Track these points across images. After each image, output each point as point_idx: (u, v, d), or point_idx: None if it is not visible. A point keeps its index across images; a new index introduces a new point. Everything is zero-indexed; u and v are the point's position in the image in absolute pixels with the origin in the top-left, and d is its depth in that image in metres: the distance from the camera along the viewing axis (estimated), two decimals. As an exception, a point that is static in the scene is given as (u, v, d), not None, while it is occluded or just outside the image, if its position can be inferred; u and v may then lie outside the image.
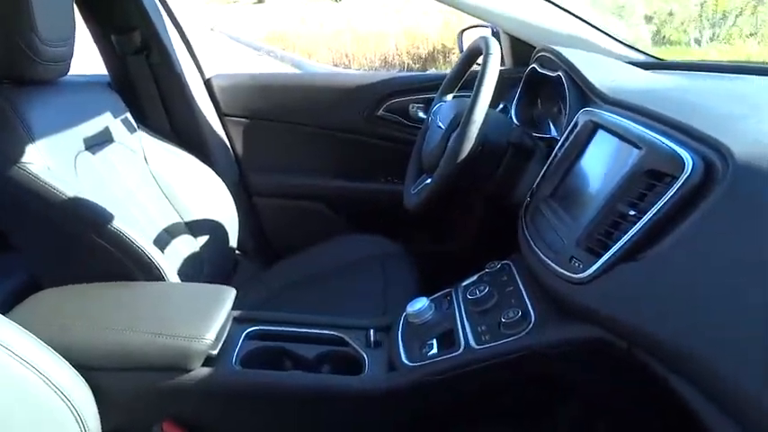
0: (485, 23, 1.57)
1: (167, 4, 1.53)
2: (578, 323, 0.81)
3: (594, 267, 0.76)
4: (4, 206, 1.04)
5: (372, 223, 1.62)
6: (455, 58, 7.31)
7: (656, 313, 0.66)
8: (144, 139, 1.39)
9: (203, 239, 1.39)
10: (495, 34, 1.54)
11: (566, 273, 0.81)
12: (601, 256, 0.75)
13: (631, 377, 0.77)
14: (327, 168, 1.71)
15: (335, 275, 1.42)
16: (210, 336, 0.91)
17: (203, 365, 0.92)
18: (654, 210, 0.70)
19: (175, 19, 1.55)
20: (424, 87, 1.64)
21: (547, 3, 1.40)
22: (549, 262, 0.86)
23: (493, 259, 1.10)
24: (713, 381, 0.57)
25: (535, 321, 0.88)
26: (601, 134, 0.93)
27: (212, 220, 1.43)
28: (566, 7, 1.41)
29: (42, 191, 1.01)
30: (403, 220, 1.50)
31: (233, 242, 1.50)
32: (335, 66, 8.09)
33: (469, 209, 1.61)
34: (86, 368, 0.82)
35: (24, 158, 1.03)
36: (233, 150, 1.69)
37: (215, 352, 0.93)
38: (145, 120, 1.49)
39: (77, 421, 0.74)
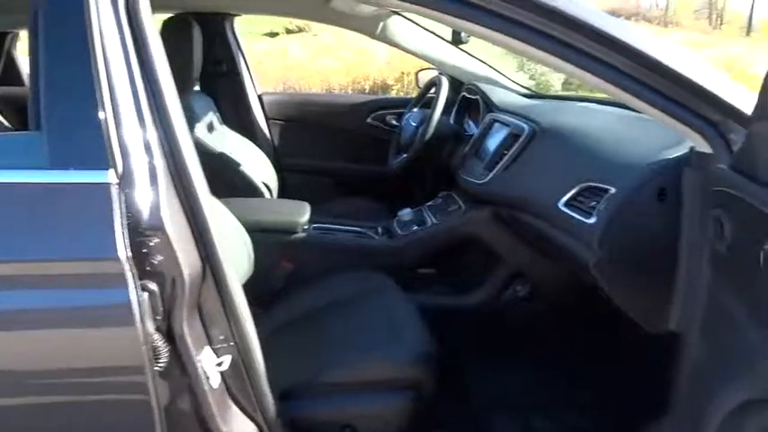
0: (432, 67, 2.59)
1: (240, 47, 2.46)
2: (487, 205, 1.81)
3: (490, 176, 1.76)
4: None
5: (365, 191, 2.57)
6: (395, 92, 8.34)
7: (518, 187, 1.65)
8: (224, 130, 2.29)
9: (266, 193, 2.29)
10: (441, 73, 2.55)
11: (478, 181, 1.81)
12: (493, 170, 1.76)
13: (514, 229, 1.76)
14: (334, 155, 2.66)
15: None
16: (306, 216, 1.84)
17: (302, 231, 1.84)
18: (514, 149, 1.71)
19: (244, 56, 2.48)
20: (394, 105, 2.66)
21: (469, 55, 2.43)
22: (471, 179, 1.85)
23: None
24: (549, 212, 1.52)
25: (465, 209, 1.88)
26: (496, 124, 1.95)
27: (264, 182, 2.34)
28: (480, 58, 2.45)
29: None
30: (383, 186, 2.48)
31: (275, 197, 2.41)
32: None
33: (429, 176, 2.61)
34: (247, 230, 1.69)
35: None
36: (272, 141, 2.62)
37: (307, 227, 1.85)
38: (223, 119, 2.39)
39: (249, 254, 1.54)
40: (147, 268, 0.89)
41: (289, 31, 12.61)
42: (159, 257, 0.89)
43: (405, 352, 1.35)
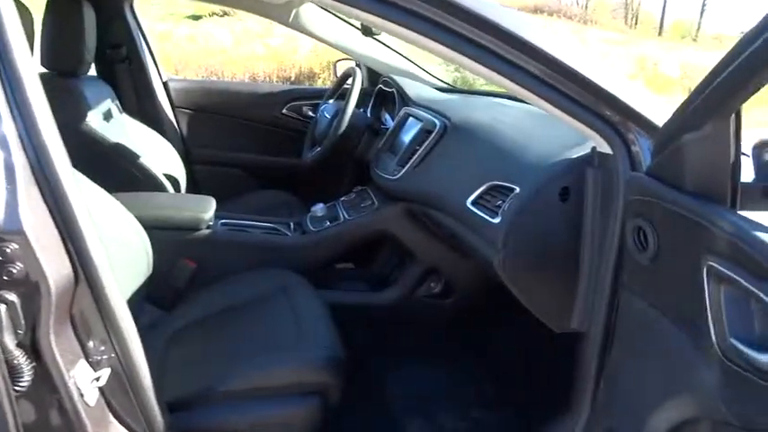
0: (350, 58, 2.52)
1: (142, 30, 2.29)
2: (399, 201, 1.77)
3: (402, 172, 1.72)
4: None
5: (279, 185, 2.47)
6: (321, 82, 8.24)
7: (429, 184, 1.62)
8: (124, 119, 2.13)
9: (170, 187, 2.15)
10: (359, 65, 2.49)
11: (391, 177, 1.76)
12: (405, 166, 1.71)
13: (426, 226, 1.73)
14: (247, 146, 2.54)
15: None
16: (211, 212, 1.73)
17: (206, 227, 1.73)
18: (426, 144, 1.68)
19: (147, 39, 2.31)
20: (310, 96, 2.56)
21: (387, 48, 2.38)
22: (384, 174, 1.81)
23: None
24: (458, 210, 1.49)
25: (378, 204, 1.83)
26: (410, 119, 1.91)
27: (169, 174, 2.20)
28: (399, 51, 2.40)
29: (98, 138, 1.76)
30: (298, 180, 2.39)
31: (182, 190, 2.27)
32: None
33: (344, 171, 2.54)
34: (145, 227, 1.57)
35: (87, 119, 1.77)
36: (180, 131, 2.46)
37: (212, 223, 1.75)
38: (124, 107, 2.22)
39: (146, 253, 1.44)
40: (5, 278, 0.80)
41: (213, 15, 12.13)
42: (19, 265, 0.80)
43: (310, 355, 1.29)
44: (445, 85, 2.35)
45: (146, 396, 1.00)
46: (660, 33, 17.47)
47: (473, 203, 1.36)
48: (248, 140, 2.55)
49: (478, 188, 1.35)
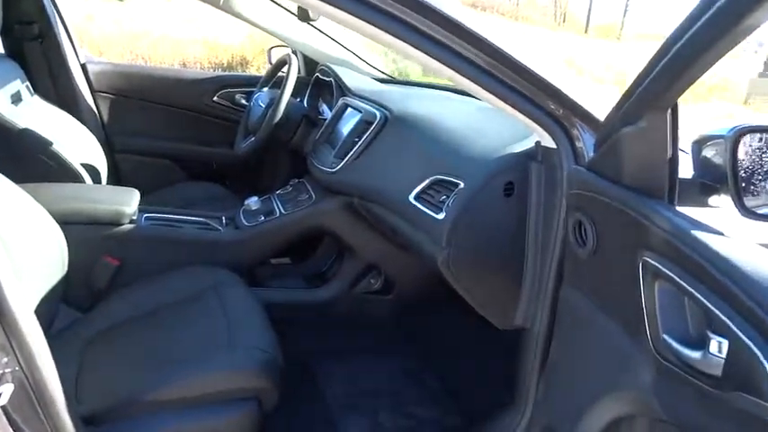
0: (285, 44, 2.42)
1: (57, 6, 2.10)
2: (338, 195, 1.70)
3: (340, 165, 1.65)
4: None
5: (210, 177, 2.35)
6: (254, 69, 8.02)
7: (369, 177, 1.56)
8: (36, 102, 1.95)
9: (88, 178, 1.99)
10: (294, 52, 2.39)
11: (329, 170, 1.69)
12: (344, 159, 1.65)
13: (366, 221, 1.67)
14: (175, 135, 2.40)
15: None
16: (134, 205, 1.60)
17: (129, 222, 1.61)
18: (366, 136, 1.62)
19: (62, 17, 2.12)
20: (243, 83, 2.44)
21: (324, 35, 2.30)
22: (322, 167, 1.74)
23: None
24: (400, 205, 1.43)
25: (315, 198, 1.75)
26: (348, 109, 1.84)
27: (88, 164, 2.04)
28: (337, 39, 2.33)
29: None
30: (229, 172, 2.28)
31: (103, 182, 2.11)
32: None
33: (278, 162, 2.44)
34: (61, 223, 1.44)
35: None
36: (100, 118, 2.29)
37: (135, 216, 1.62)
38: (36, 90, 2.04)
39: (61, 250, 1.31)
40: None
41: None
42: None
43: (243, 358, 1.22)
44: (385, 77, 2.30)
45: (57, 411, 0.90)
46: (586, 31, 18.15)
47: (416, 198, 1.32)
48: (175, 129, 2.40)
49: (421, 183, 1.32)
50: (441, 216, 1.21)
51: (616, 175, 0.89)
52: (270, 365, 1.23)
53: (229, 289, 1.47)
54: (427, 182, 1.30)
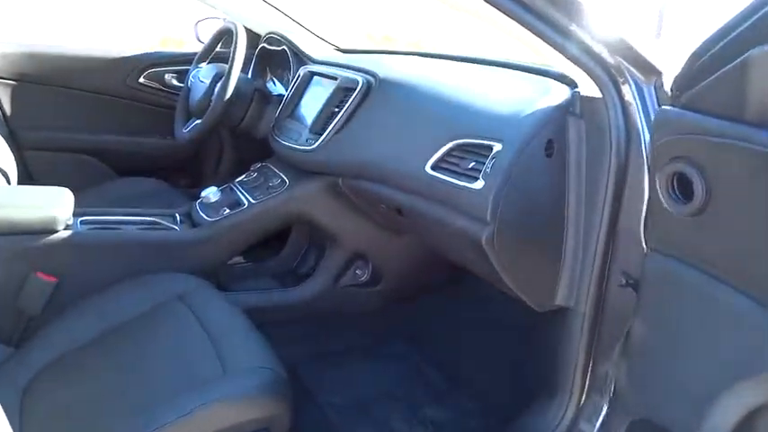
0: (217, 16, 2.12)
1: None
2: (317, 176, 1.46)
3: (319, 141, 1.42)
4: None
5: (140, 169, 2.02)
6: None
7: (361, 151, 1.34)
8: None
9: None
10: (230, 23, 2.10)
11: (305, 147, 1.45)
12: (323, 134, 1.42)
13: (352, 203, 1.44)
14: (97, 126, 2.04)
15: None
16: (68, 208, 1.29)
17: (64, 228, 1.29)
18: (347, 106, 1.40)
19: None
20: (174, 61, 2.12)
21: (267, 5, 2.02)
22: (293, 145, 1.49)
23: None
24: (411, 179, 1.20)
25: (290, 183, 1.51)
26: (315, 78, 1.60)
27: None
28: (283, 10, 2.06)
29: None
30: (167, 163, 1.97)
31: (13, 182, 1.74)
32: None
33: (223, 146, 2.14)
34: None
35: None
36: (1, 109, 1.89)
37: (70, 222, 1.31)
38: None
39: None
40: None
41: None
42: None
43: (247, 383, 0.99)
44: (346, 48, 2.06)
45: None
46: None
47: (434, 168, 1.12)
48: (95, 118, 2.04)
49: (438, 149, 1.12)
50: (478, 185, 1.02)
51: (733, 111, 0.73)
52: (279, 385, 1.01)
53: (200, 297, 1.22)
54: (446, 148, 1.11)
